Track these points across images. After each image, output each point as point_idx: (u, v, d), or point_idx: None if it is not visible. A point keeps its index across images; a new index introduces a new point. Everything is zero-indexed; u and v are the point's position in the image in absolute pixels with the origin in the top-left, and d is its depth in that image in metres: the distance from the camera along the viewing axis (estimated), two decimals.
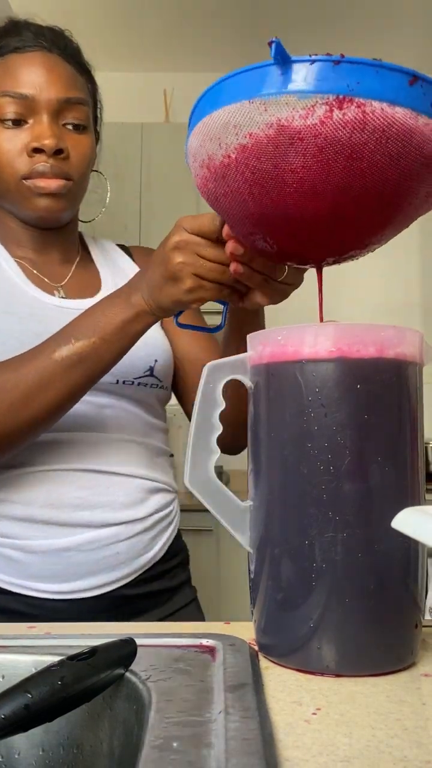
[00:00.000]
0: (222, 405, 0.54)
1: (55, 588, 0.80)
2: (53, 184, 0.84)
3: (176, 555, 0.93)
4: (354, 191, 0.52)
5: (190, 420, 1.01)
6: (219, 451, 0.54)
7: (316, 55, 0.49)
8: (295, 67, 0.49)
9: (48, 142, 0.82)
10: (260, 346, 0.53)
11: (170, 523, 0.92)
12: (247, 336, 0.56)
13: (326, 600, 0.49)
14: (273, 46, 0.48)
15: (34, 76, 0.84)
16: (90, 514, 0.82)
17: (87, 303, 0.88)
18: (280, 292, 0.71)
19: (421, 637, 0.53)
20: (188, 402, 1.00)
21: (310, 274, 0.72)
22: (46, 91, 0.84)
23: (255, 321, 0.78)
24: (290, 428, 0.51)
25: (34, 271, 0.91)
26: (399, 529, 0.39)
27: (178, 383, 0.99)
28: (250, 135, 0.51)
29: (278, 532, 0.51)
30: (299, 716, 0.43)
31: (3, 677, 0.51)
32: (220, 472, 2.82)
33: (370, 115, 0.48)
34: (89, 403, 0.84)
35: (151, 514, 0.87)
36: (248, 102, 0.51)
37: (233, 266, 0.66)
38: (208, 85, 0.55)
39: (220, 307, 0.77)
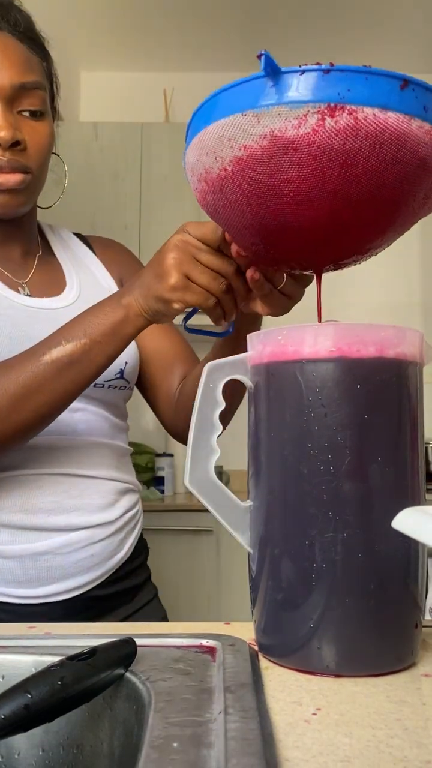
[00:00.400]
0: (222, 405, 0.54)
1: (31, 593, 0.80)
2: (11, 179, 0.79)
3: (140, 553, 0.95)
4: (351, 197, 0.52)
5: (153, 409, 1.01)
6: (219, 451, 0.54)
7: (306, 65, 0.49)
8: (286, 78, 0.49)
9: (3, 135, 0.77)
10: (260, 346, 0.53)
11: (137, 523, 0.94)
12: (247, 336, 0.56)
13: (326, 600, 0.49)
14: (262, 59, 0.48)
15: None
16: (65, 518, 0.82)
17: (54, 302, 0.88)
18: (282, 304, 0.71)
19: (421, 637, 0.53)
20: (155, 396, 0.99)
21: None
22: None
23: (254, 329, 0.78)
24: (290, 428, 0.51)
25: None
26: (399, 529, 0.39)
27: (146, 380, 0.99)
28: (245, 147, 0.52)
29: (278, 532, 0.51)
30: (299, 716, 0.43)
31: (3, 677, 0.51)
32: (220, 472, 2.82)
33: (362, 121, 0.49)
34: None
35: (121, 515, 0.88)
36: (241, 115, 0.51)
37: (249, 273, 0.66)
38: (207, 88, 0.55)
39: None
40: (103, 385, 0.88)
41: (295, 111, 0.49)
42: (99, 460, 0.87)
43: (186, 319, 0.73)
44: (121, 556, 0.88)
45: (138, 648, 0.49)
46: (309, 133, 0.49)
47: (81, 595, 0.83)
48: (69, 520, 0.82)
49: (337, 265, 0.62)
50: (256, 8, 2.95)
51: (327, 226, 0.55)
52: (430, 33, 3.09)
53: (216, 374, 0.54)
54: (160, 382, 0.97)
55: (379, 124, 0.49)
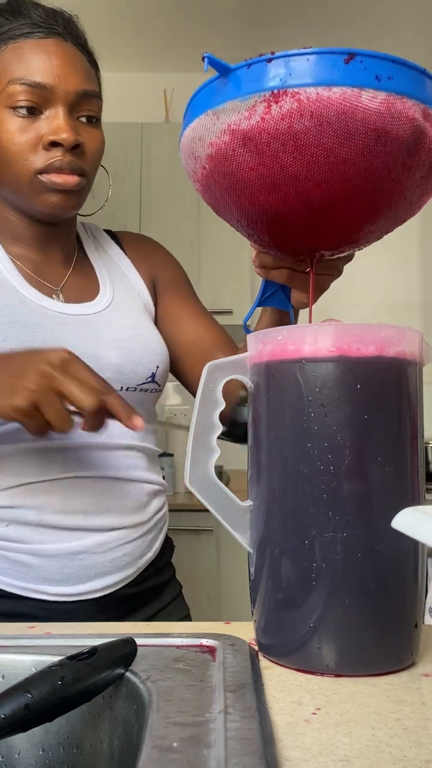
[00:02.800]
0: (222, 405, 0.54)
1: (66, 590, 0.81)
2: (71, 180, 0.81)
3: (166, 552, 0.97)
4: (314, 178, 0.54)
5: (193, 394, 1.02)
6: (219, 450, 0.54)
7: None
8: (236, 73, 0.53)
9: (66, 136, 0.79)
10: (260, 345, 0.53)
11: (165, 523, 0.96)
12: (248, 336, 0.56)
13: (326, 600, 0.49)
14: (205, 60, 0.52)
15: (51, 66, 0.80)
16: (101, 519, 0.83)
17: (87, 308, 0.88)
18: (318, 285, 0.73)
19: (421, 637, 0.53)
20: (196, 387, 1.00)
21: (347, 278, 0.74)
22: (65, 82, 0.80)
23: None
24: (290, 428, 0.51)
25: (30, 272, 0.88)
26: (399, 529, 0.39)
27: (186, 370, 0.99)
28: (212, 144, 0.56)
29: (278, 532, 0.51)
30: (299, 716, 0.43)
31: (3, 677, 0.51)
32: (220, 472, 2.82)
33: (305, 102, 0.50)
34: None
35: (152, 516, 0.90)
36: (204, 115, 0.55)
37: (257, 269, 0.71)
38: None
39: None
40: (135, 389, 0.89)
41: (245, 103, 0.52)
42: (132, 461, 0.88)
43: (245, 319, 0.76)
44: (150, 555, 0.90)
45: (138, 648, 0.49)
46: (259, 121, 0.52)
47: (113, 593, 0.85)
48: (104, 521, 0.84)
49: (332, 251, 0.63)
50: (257, 8, 2.95)
51: (302, 210, 0.56)
52: (428, 29, 3.09)
53: (216, 374, 0.54)
54: (201, 372, 0.98)
55: (322, 102, 0.50)
